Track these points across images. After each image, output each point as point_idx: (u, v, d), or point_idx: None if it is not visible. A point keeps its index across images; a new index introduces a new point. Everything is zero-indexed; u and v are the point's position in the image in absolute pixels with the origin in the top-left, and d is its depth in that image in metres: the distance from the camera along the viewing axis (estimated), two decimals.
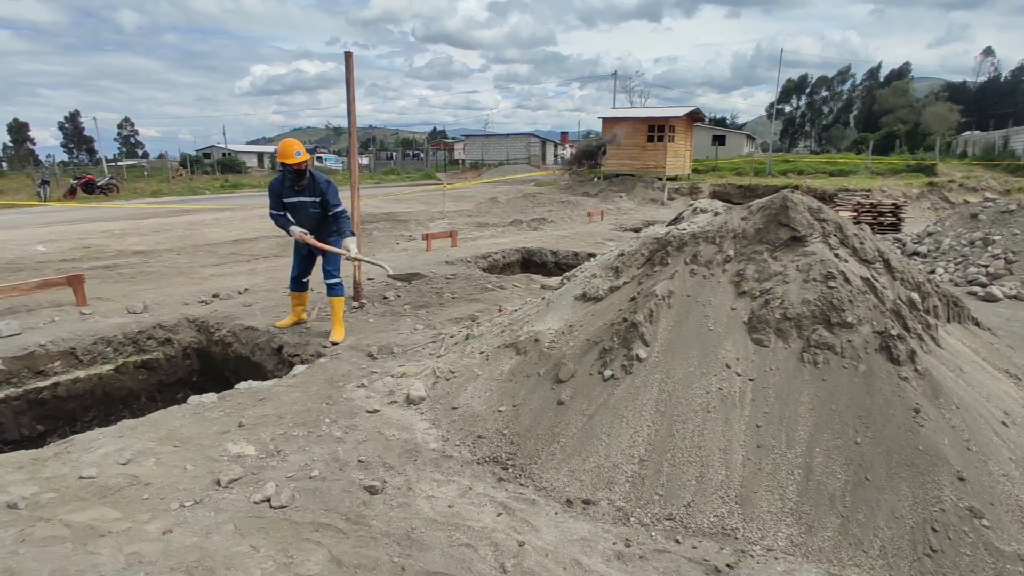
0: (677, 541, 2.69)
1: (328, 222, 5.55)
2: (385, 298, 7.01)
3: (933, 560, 2.49)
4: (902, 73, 79.71)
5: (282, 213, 5.42)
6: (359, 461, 3.30)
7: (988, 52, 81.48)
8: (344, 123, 6.79)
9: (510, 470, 3.26)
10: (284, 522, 2.73)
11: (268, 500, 2.88)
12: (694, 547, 2.65)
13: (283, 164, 5.22)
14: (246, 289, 7.54)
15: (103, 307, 6.55)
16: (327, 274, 5.65)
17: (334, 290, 5.62)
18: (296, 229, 5.40)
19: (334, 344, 5.37)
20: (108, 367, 5.63)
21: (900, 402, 3.02)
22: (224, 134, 70.09)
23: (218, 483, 3.02)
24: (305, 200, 5.41)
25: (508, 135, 58.35)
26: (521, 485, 3.14)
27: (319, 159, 57.82)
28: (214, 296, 7.08)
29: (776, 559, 2.58)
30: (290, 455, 3.36)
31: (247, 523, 2.71)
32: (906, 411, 2.98)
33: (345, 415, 3.89)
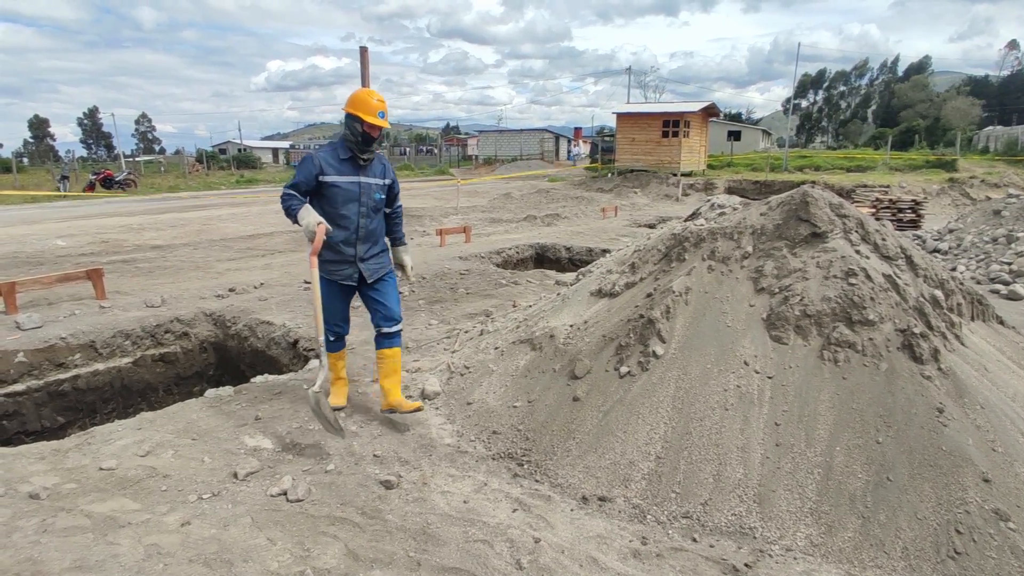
0: (694, 539, 2.67)
1: (379, 223, 3.78)
2: (399, 293, 7.03)
3: (957, 563, 2.45)
4: (922, 67, 78.43)
5: (301, 197, 3.48)
6: (374, 455, 3.31)
7: (1013, 45, 79.96)
8: None
9: (525, 466, 3.25)
10: (301, 515, 2.74)
11: (285, 493, 2.90)
12: (711, 546, 2.63)
13: (355, 121, 3.46)
14: (261, 284, 7.59)
15: (122, 301, 6.63)
16: (385, 317, 3.74)
17: (394, 339, 3.76)
18: (310, 216, 3.36)
19: (392, 412, 3.71)
20: (127, 360, 5.70)
21: (923, 401, 2.96)
22: (239, 130, 70.85)
23: (235, 476, 3.04)
24: (370, 182, 3.60)
25: (521, 130, 58.19)
26: (536, 481, 3.13)
27: None
28: (230, 290, 7.14)
29: (795, 559, 2.55)
30: (306, 448, 3.37)
31: (264, 516, 2.72)
32: (929, 411, 2.92)
33: (360, 410, 3.90)
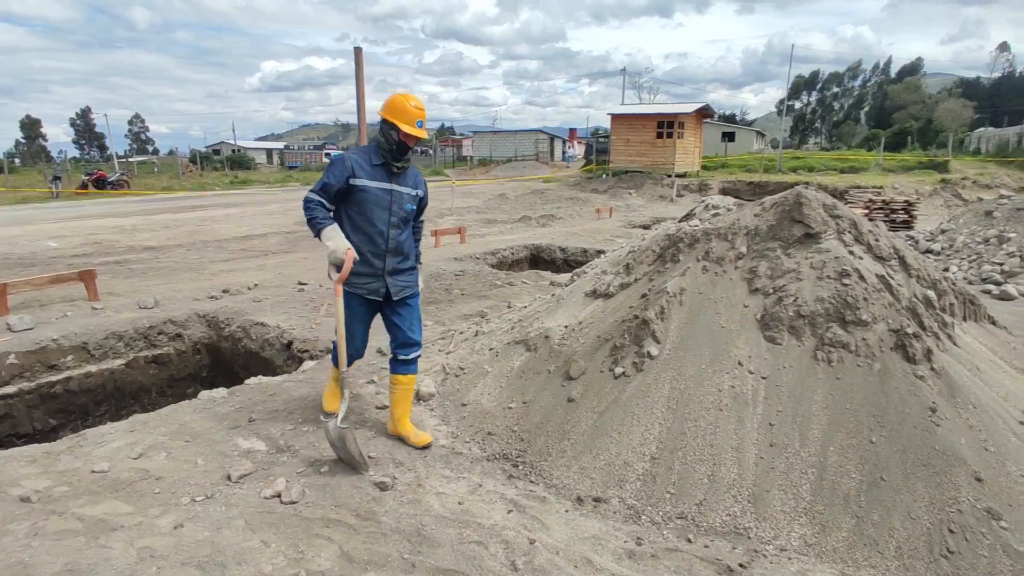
0: (689, 540, 2.67)
1: (408, 236, 3.50)
2: None
3: (950, 562, 2.46)
4: (914, 69, 78.97)
5: (329, 204, 3.23)
6: (369, 457, 3.29)
7: (1004, 47, 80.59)
8: (353, 119, 6.78)
9: (520, 467, 3.24)
10: (294, 517, 2.73)
11: (279, 495, 2.88)
12: (706, 546, 2.63)
13: (391, 129, 3.22)
14: (256, 285, 7.57)
15: (114, 302, 6.60)
16: (404, 343, 3.49)
17: (410, 367, 3.52)
18: (339, 240, 3.08)
19: (425, 447, 3.44)
20: (119, 362, 5.67)
21: (916, 401, 2.98)
22: (234, 130, 70.51)
23: (229, 478, 3.03)
24: (402, 191, 3.36)
25: (517, 131, 58.30)
26: (531, 482, 3.13)
27: (327, 155, 57.94)
28: (224, 292, 7.11)
29: (789, 559, 2.55)
30: (300, 450, 3.36)
31: (258, 518, 2.71)
32: (922, 410, 2.93)
33: (354, 411, 3.88)
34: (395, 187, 3.34)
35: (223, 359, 6.20)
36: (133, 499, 2.83)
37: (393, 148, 3.26)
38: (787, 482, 2.84)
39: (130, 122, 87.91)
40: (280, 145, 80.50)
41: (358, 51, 6.32)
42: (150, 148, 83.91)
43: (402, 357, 3.48)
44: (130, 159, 52.01)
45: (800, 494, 2.79)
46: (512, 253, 10.70)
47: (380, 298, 3.42)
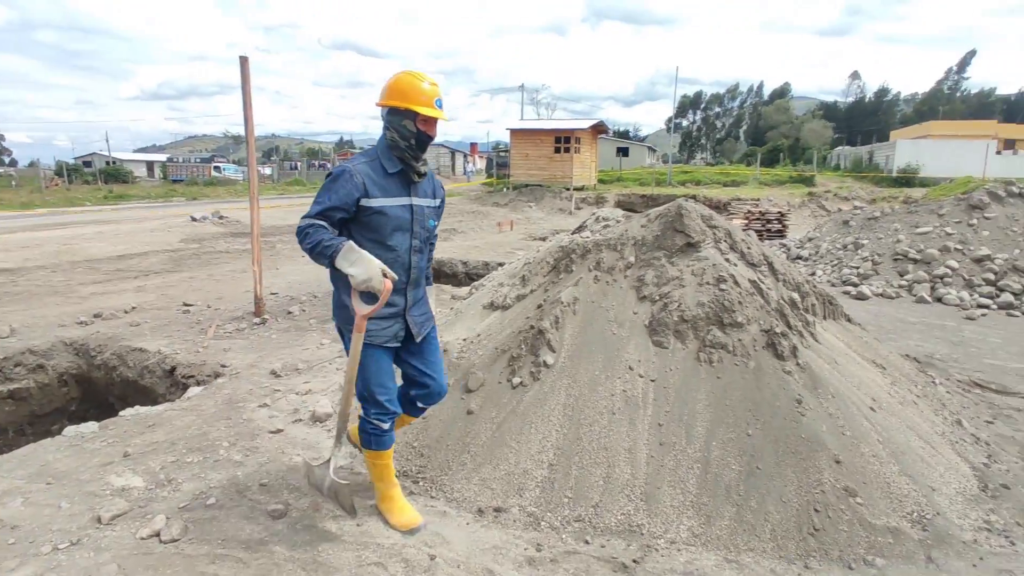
0: (586, 541, 2.75)
1: (427, 260, 2.92)
2: (289, 312, 6.73)
3: (816, 538, 2.70)
4: (783, 92, 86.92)
5: (328, 228, 2.48)
6: (261, 485, 3.14)
7: (855, 75, 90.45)
8: (244, 131, 6.46)
9: (420, 483, 3.21)
10: (176, 556, 2.54)
11: (157, 534, 2.67)
12: (602, 546, 2.72)
13: (404, 118, 2.56)
14: (133, 308, 7.00)
15: None
16: (433, 393, 2.92)
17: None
18: (370, 263, 2.39)
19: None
20: None
21: (785, 394, 3.25)
22: (107, 140, 64.55)
23: (99, 520, 2.77)
24: (422, 204, 2.72)
25: None
26: (432, 497, 3.10)
27: (217, 168, 54.70)
28: (96, 316, 6.52)
29: (679, 551, 2.70)
30: (183, 484, 3.13)
31: (133, 561, 2.49)
32: (790, 402, 3.21)
33: (245, 437, 3.68)
34: (415, 201, 2.68)
35: (95, 390, 5.66)
36: None
37: (412, 143, 2.58)
38: (675, 478, 3.00)
39: None
40: (163, 157, 74.97)
41: (244, 60, 6.05)
42: (6, 159, 75.42)
43: (424, 405, 2.95)
44: None
45: (687, 488, 2.96)
46: None
47: (399, 343, 2.76)
